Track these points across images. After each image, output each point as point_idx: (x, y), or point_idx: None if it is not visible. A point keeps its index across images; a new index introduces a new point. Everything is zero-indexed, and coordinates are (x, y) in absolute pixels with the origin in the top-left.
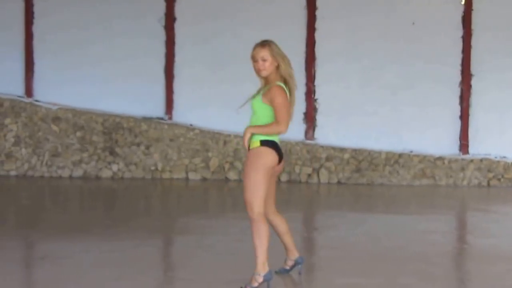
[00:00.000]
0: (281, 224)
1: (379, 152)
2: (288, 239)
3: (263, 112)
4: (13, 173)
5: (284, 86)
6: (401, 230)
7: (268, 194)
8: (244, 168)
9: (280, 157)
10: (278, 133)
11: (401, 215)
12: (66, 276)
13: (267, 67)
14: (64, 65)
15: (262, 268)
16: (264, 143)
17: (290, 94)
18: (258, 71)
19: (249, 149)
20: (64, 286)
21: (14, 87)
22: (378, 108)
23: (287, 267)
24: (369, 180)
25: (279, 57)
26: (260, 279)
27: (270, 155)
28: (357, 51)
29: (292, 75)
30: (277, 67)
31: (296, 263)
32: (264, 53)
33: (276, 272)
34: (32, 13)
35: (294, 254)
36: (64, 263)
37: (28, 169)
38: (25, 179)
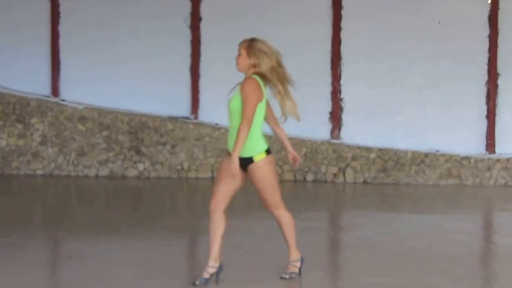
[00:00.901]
0: (221, 226)
1: (405, 152)
2: (219, 243)
3: (240, 111)
4: (39, 172)
5: (259, 79)
6: (427, 230)
7: (231, 194)
8: (259, 179)
9: None
10: (247, 135)
11: (427, 215)
12: (92, 275)
13: (239, 61)
14: (90, 64)
15: (296, 255)
16: (269, 151)
17: (279, 92)
18: None
19: (246, 160)
20: (90, 284)
21: (40, 87)
22: (404, 108)
23: (207, 276)
24: (395, 179)
25: (254, 56)
26: (299, 264)
27: (273, 161)
28: (383, 50)
29: (282, 75)
30: (255, 65)
31: (218, 271)
32: (240, 48)
33: (196, 285)
34: (58, 13)
35: (217, 261)
36: (91, 262)
37: (55, 168)
38: (52, 178)
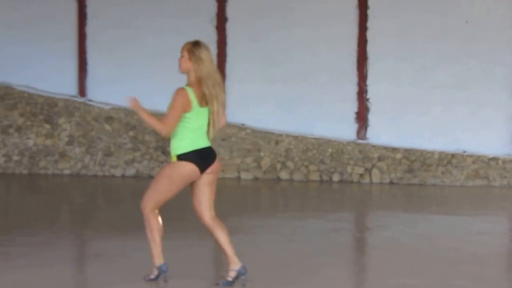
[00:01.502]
0: (222, 232)
1: (432, 152)
2: (228, 248)
3: None
4: (66, 172)
5: (190, 91)
6: (454, 231)
7: (206, 199)
8: (159, 172)
9: (208, 163)
10: (158, 131)
11: (454, 216)
12: (119, 274)
13: (181, 63)
14: (116, 64)
15: (158, 260)
16: (181, 157)
17: (208, 100)
18: None
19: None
20: (117, 283)
21: (67, 87)
22: (430, 108)
23: (230, 279)
24: (421, 180)
25: (193, 60)
26: (156, 272)
27: (184, 171)
28: (409, 50)
29: (214, 81)
30: (195, 69)
31: (239, 274)
32: (182, 50)
33: (218, 285)
34: (85, 13)
35: (236, 264)
36: (118, 261)
37: (82, 168)
38: (79, 178)
